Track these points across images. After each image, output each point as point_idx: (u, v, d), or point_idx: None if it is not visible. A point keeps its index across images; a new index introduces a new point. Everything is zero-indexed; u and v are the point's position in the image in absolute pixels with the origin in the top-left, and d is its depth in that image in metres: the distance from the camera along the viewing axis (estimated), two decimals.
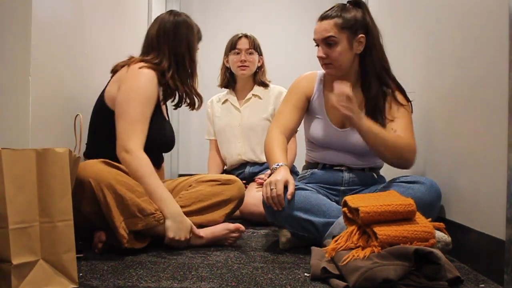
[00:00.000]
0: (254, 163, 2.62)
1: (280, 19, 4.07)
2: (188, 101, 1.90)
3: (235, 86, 2.71)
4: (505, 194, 1.23)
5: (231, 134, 2.64)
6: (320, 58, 1.81)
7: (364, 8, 1.83)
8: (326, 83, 1.92)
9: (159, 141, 1.84)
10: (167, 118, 1.96)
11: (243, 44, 2.61)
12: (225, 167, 2.74)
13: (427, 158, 1.89)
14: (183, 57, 1.86)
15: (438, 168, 1.81)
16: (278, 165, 1.71)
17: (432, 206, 1.62)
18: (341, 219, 1.55)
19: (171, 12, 1.92)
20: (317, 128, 1.90)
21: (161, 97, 1.84)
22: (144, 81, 1.75)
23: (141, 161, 1.68)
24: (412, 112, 1.83)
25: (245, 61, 2.59)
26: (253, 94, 2.65)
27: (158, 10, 3.61)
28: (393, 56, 2.42)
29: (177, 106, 1.91)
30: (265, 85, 2.66)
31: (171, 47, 1.85)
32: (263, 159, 2.56)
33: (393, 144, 1.68)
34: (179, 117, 4.09)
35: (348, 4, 1.84)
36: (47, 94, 1.65)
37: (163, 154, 2.00)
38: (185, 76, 1.88)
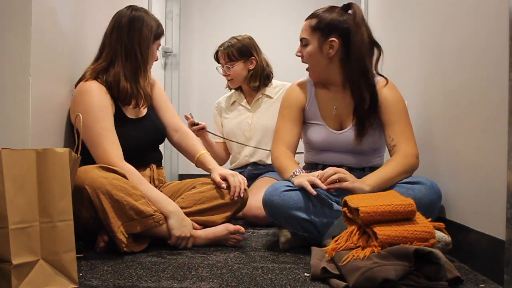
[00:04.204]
0: (257, 164, 2.60)
1: (280, 18, 4.07)
2: (137, 97, 1.83)
3: (241, 87, 2.68)
4: (505, 194, 1.23)
5: (241, 135, 2.60)
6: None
7: (353, 12, 1.80)
8: (318, 88, 1.93)
9: (130, 144, 1.80)
10: (143, 113, 1.92)
11: (221, 58, 2.58)
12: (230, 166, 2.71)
13: (427, 159, 1.89)
14: (134, 53, 1.81)
15: (438, 169, 1.81)
16: (297, 171, 1.74)
17: (432, 206, 1.62)
18: (341, 219, 1.55)
19: (129, 7, 1.88)
20: (315, 133, 1.90)
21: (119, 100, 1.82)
22: (87, 98, 1.74)
23: (127, 173, 1.67)
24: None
25: (226, 75, 2.57)
26: (262, 94, 2.62)
27: (158, 10, 3.61)
28: (393, 59, 2.43)
29: (123, 103, 1.83)
30: (259, 88, 2.60)
31: (123, 42, 1.81)
32: (269, 161, 2.55)
33: (399, 173, 1.69)
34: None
35: (337, 7, 1.86)
36: (47, 94, 1.65)
37: (161, 149, 1.98)
38: (133, 72, 1.82)
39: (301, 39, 1.86)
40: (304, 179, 1.66)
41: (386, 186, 1.66)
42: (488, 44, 1.39)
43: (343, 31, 1.79)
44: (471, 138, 1.51)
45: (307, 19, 1.87)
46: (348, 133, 1.85)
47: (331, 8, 1.85)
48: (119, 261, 1.51)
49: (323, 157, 1.92)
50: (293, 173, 1.74)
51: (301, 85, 1.96)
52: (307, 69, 1.90)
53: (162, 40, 1.96)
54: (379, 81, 1.84)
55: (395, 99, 1.81)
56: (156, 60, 1.95)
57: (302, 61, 1.89)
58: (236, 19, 4.02)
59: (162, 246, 1.69)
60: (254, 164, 2.61)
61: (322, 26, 1.80)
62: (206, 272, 1.38)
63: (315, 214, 1.65)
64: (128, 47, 1.81)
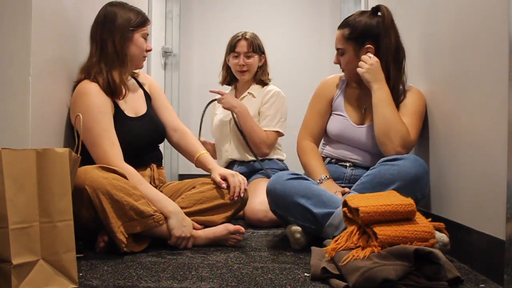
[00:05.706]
0: (242, 162, 2.60)
1: (280, 19, 4.07)
2: (114, 89, 1.80)
3: (236, 83, 2.71)
4: (505, 193, 1.23)
5: (223, 131, 2.63)
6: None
7: (383, 15, 1.85)
8: (350, 84, 1.99)
9: (129, 142, 1.80)
10: (143, 112, 1.92)
11: (242, 47, 2.58)
12: None
13: (426, 158, 1.89)
14: (107, 45, 1.80)
15: (437, 168, 1.81)
16: (323, 177, 1.84)
17: (418, 179, 1.65)
18: (340, 210, 1.56)
19: (106, 4, 1.88)
20: (334, 122, 1.96)
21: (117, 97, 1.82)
22: (86, 99, 1.73)
23: (127, 174, 1.67)
24: None
25: (243, 65, 2.58)
26: (248, 92, 2.64)
27: (158, 10, 3.61)
28: None
29: (113, 97, 1.82)
30: (262, 83, 2.65)
31: (98, 37, 1.82)
32: (250, 157, 2.56)
33: (388, 120, 1.75)
34: (179, 117, 4.09)
35: (367, 11, 1.90)
36: (47, 94, 1.65)
37: (161, 149, 1.98)
38: (108, 65, 1.80)
39: (337, 49, 1.92)
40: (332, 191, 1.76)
41: (376, 106, 1.77)
42: (488, 42, 1.38)
43: (376, 36, 1.84)
44: (471, 137, 1.51)
45: (339, 28, 1.92)
46: (365, 128, 1.89)
47: (361, 14, 1.90)
48: (119, 261, 1.51)
49: (335, 148, 1.96)
50: (319, 179, 1.84)
51: (334, 78, 2.05)
52: (343, 72, 1.97)
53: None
54: (409, 87, 1.89)
55: (414, 100, 1.86)
56: (149, 50, 1.92)
57: (340, 68, 1.96)
58: (236, 19, 4.02)
59: (162, 246, 1.69)
60: (241, 163, 2.60)
61: (355, 35, 1.86)
62: (206, 272, 1.38)
63: (315, 204, 1.66)
64: (102, 41, 1.81)
